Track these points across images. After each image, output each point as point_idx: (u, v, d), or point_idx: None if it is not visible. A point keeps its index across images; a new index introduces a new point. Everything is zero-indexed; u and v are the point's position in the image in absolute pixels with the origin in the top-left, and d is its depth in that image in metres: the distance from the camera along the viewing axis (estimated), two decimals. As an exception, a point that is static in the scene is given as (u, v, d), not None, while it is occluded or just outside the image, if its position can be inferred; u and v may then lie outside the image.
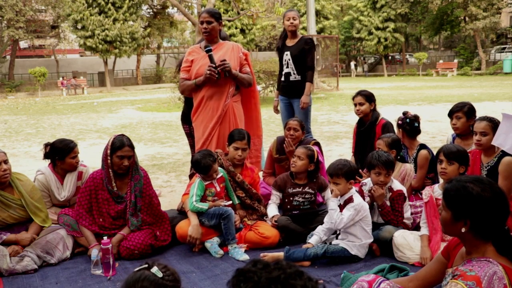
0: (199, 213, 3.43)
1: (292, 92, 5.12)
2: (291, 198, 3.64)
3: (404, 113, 4.05)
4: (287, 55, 5.07)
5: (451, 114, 3.89)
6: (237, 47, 3.98)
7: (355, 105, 4.41)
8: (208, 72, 3.70)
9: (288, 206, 3.66)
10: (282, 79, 5.16)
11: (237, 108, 3.98)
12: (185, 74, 3.95)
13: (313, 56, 5.15)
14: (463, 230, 1.87)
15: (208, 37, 3.88)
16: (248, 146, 3.74)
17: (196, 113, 3.95)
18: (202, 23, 3.84)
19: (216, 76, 3.70)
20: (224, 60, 3.71)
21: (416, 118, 3.99)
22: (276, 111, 5.40)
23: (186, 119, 4.41)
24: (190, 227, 3.34)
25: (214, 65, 3.70)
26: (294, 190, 3.65)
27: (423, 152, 3.86)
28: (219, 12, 3.98)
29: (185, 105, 4.41)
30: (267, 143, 7.51)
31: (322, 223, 3.43)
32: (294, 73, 5.06)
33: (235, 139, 3.65)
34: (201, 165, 3.41)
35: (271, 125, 10.23)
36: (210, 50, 3.75)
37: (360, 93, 4.41)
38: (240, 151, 3.65)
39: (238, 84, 3.96)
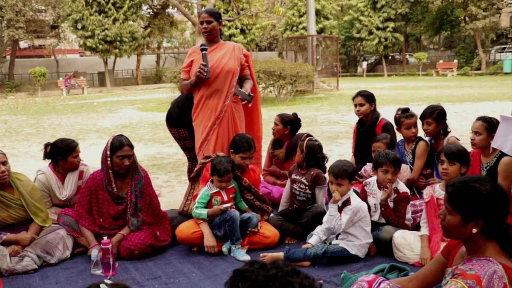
0: (211, 226, 3.42)
1: None
2: (293, 185, 3.79)
3: (407, 109, 4.07)
4: None
5: (422, 118, 3.91)
6: (238, 47, 3.97)
7: (355, 105, 4.41)
8: (198, 70, 3.69)
9: (291, 192, 3.82)
10: None
11: (237, 109, 3.96)
12: (184, 75, 3.97)
13: None
14: (474, 231, 1.85)
15: (209, 36, 3.88)
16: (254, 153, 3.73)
17: (195, 112, 3.94)
18: (202, 23, 3.84)
19: (205, 75, 3.69)
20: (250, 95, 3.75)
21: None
22: None
23: (173, 122, 4.32)
24: (204, 238, 3.33)
25: (204, 64, 3.69)
26: (295, 177, 3.80)
27: (422, 142, 3.91)
28: (218, 11, 3.97)
29: (176, 108, 4.26)
30: (267, 143, 7.52)
31: (310, 217, 3.47)
32: None
33: (242, 150, 3.56)
34: (222, 167, 3.34)
35: (271, 125, 10.17)
36: (205, 49, 3.75)
37: (360, 93, 4.41)
38: (247, 160, 3.62)
39: None
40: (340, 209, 3.17)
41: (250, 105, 3.81)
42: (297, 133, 4.53)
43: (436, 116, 3.85)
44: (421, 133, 4.04)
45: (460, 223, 1.87)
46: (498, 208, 1.84)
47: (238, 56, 3.91)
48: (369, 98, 4.36)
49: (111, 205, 3.41)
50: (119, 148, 3.32)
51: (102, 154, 3.41)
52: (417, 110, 4.15)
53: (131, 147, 3.39)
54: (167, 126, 4.42)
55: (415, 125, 3.96)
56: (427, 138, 4.15)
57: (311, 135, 3.98)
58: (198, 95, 3.89)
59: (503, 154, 3.18)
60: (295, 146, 4.31)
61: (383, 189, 3.34)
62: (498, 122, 3.30)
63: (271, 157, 4.68)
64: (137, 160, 3.52)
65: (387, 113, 8.39)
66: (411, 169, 3.90)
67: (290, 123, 4.48)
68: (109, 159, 3.34)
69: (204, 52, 3.73)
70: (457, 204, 1.87)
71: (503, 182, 3.06)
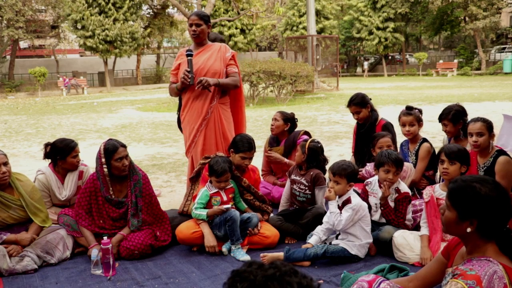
0: (211, 226, 3.42)
1: None
2: (293, 186, 3.80)
3: (410, 107, 4.05)
4: None
5: (439, 119, 3.91)
6: (224, 47, 4.01)
7: (352, 113, 4.41)
8: (182, 76, 3.78)
9: (291, 192, 3.82)
10: None
11: (224, 111, 3.99)
12: (172, 78, 4.06)
13: None
14: (468, 230, 1.85)
15: (197, 39, 3.93)
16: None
17: (183, 114, 4.02)
18: (191, 25, 3.88)
19: (189, 81, 3.74)
20: (202, 78, 3.70)
21: (420, 111, 4.07)
22: None
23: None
24: (204, 238, 3.33)
25: (188, 70, 3.74)
26: (295, 178, 3.80)
27: (426, 144, 3.91)
28: (208, 15, 4.00)
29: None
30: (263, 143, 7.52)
31: (310, 218, 3.47)
32: None
33: (243, 150, 3.57)
34: (219, 167, 3.35)
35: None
36: (190, 55, 3.79)
37: (352, 102, 4.35)
38: (247, 160, 3.63)
39: (224, 89, 3.96)
40: (340, 208, 3.17)
41: (188, 57, 3.76)
42: (294, 131, 4.54)
43: (451, 117, 3.80)
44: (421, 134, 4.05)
45: (455, 220, 1.89)
46: (495, 210, 1.82)
47: (223, 57, 3.94)
48: (362, 103, 4.33)
49: (111, 208, 3.41)
50: (114, 151, 3.32)
51: (96, 162, 3.39)
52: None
53: (125, 147, 3.41)
54: (178, 128, 4.51)
55: (411, 124, 3.93)
56: (445, 138, 4.14)
57: (308, 132, 3.99)
58: (185, 97, 3.97)
59: (499, 154, 3.19)
60: (293, 143, 4.33)
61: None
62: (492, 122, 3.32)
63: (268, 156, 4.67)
64: (134, 161, 3.52)
65: (387, 113, 8.40)
66: None
67: (290, 120, 4.51)
68: (105, 166, 3.33)
69: (189, 58, 3.77)
70: (455, 201, 1.89)
71: (501, 182, 3.05)
